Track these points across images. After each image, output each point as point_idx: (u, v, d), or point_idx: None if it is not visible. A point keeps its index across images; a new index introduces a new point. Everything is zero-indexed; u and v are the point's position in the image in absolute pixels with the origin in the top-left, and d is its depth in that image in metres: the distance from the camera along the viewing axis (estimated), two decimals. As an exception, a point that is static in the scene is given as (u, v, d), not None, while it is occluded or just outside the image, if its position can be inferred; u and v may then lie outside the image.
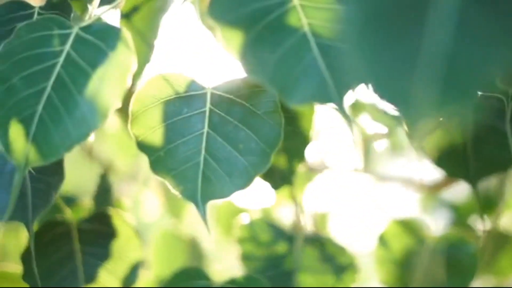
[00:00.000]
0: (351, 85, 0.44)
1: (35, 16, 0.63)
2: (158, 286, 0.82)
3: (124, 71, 0.47)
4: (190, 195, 0.50)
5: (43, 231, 0.75)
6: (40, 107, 0.48)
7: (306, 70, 0.45)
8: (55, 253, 0.75)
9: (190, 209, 1.08)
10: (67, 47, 0.49)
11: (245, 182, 0.51)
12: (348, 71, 0.44)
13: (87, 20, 0.51)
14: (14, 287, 0.80)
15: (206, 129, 0.52)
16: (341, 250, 0.89)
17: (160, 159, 0.51)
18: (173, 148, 0.51)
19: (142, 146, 0.51)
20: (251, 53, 0.46)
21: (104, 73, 0.48)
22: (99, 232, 0.77)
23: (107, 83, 0.47)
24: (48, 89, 0.48)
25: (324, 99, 0.44)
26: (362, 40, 0.28)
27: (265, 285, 0.76)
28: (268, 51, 0.46)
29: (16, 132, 0.48)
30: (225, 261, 1.19)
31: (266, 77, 0.46)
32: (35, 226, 0.76)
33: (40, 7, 0.63)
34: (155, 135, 0.51)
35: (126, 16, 0.75)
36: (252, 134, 0.51)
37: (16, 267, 0.84)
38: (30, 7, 0.64)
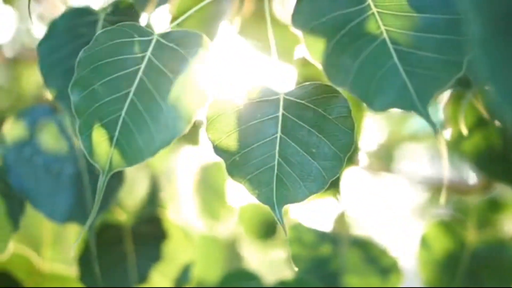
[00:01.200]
0: (434, 92, 0.45)
1: (100, 22, 0.64)
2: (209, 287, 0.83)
3: (207, 77, 0.49)
4: (265, 200, 0.51)
5: (97, 234, 0.77)
6: (123, 112, 0.49)
7: (387, 77, 0.47)
8: (109, 254, 0.77)
9: (226, 210, 1.09)
10: (148, 53, 0.51)
11: (319, 186, 0.52)
12: (428, 78, 0.45)
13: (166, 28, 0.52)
14: (66, 288, 0.82)
15: (279, 134, 0.53)
16: (384, 252, 0.90)
17: (235, 163, 0.52)
18: (248, 153, 0.52)
19: (218, 151, 0.52)
20: (333, 60, 0.47)
21: (186, 80, 0.49)
22: (151, 234, 0.79)
23: (189, 90, 0.48)
24: (131, 94, 0.49)
25: (406, 106, 0.45)
26: (487, 47, 0.29)
27: (315, 285, 0.77)
28: (349, 58, 0.47)
29: (99, 137, 0.49)
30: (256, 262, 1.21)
31: (347, 83, 0.47)
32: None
33: (106, 14, 0.64)
34: (230, 140, 0.52)
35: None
36: (325, 139, 0.52)
37: (64, 268, 0.85)
38: (95, 13, 0.65)
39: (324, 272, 0.85)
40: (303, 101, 0.53)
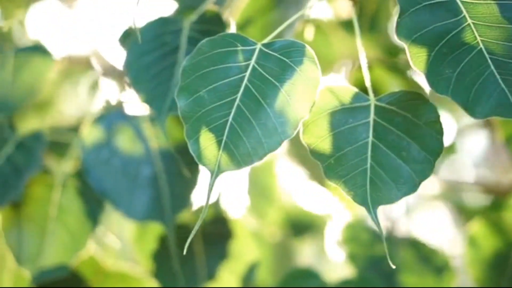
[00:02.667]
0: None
1: (185, 31, 0.67)
2: (270, 286, 0.86)
3: (313, 85, 0.51)
4: (360, 200, 0.54)
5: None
6: (230, 118, 0.52)
7: (485, 85, 0.49)
8: (179, 253, 0.79)
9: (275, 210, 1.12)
10: (252, 62, 0.53)
11: (410, 188, 0.54)
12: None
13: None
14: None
15: (370, 138, 0.55)
16: (435, 251, 0.93)
17: (331, 166, 0.55)
18: (342, 156, 0.55)
19: (314, 154, 0.55)
20: (434, 69, 0.50)
21: (292, 87, 0.51)
22: (218, 234, 0.81)
23: (296, 97, 0.51)
24: (237, 101, 0.52)
25: (506, 114, 0.48)
26: None
27: (378, 285, 0.80)
28: (449, 67, 0.50)
29: (207, 140, 0.52)
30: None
31: (448, 91, 0.50)
32: (160, 229, 0.80)
33: (192, 22, 0.67)
34: (325, 144, 0.55)
35: (241, 28, 0.79)
36: (414, 143, 0.55)
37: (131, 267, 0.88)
38: (178, 22, 0.68)
39: (381, 271, 0.87)
40: (393, 107, 0.56)
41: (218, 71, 0.53)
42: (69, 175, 0.78)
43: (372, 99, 0.56)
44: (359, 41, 0.60)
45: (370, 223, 0.94)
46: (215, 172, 0.51)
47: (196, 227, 0.52)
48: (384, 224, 0.97)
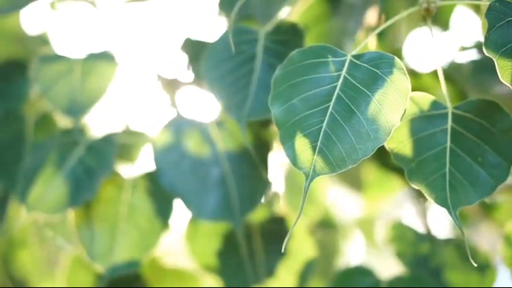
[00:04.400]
0: None
1: (261, 41, 0.71)
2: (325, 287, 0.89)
3: (403, 94, 0.55)
4: (442, 202, 0.58)
5: (232, 232, 0.83)
6: (324, 125, 0.55)
7: None
8: (239, 251, 0.83)
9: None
10: (343, 72, 0.57)
11: (487, 191, 0.58)
12: None
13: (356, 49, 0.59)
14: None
15: (448, 144, 0.59)
16: (475, 249, 0.96)
17: (413, 170, 0.58)
18: (422, 161, 0.59)
19: (397, 158, 0.59)
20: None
21: (384, 97, 0.55)
22: (276, 232, 0.85)
23: (387, 105, 0.55)
24: (330, 109, 0.56)
25: None
26: None
27: (430, 284, 0.83)
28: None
29: (302, 145, 0.55)
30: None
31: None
32: (223, 228, 0.84)
33: (267, 33, 0.71)
34: (406, 149, 0.59)
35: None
36: (490, 149, 0.59)
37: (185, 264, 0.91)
38: (254, 32, 0.71)
39: (427, 269, 0.91)
40: (469, 115, 0.59)
41: (310, 81, 0.57)
42: (138, 177, 0.81)
43: (449, 107, 0.60)
44: (435, 47, 0.63)
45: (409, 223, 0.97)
46: (310, 175, 0.55)
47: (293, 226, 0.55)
48: (427, 224, 1.01)
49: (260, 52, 0.70)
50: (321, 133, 0.55)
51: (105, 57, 0.85)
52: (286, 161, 1.17)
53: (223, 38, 0.72)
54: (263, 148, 0.76)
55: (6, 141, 0.93)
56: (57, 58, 0.85)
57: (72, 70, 0.83)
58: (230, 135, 0.79)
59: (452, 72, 0.90)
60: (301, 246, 0.85)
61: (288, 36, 0.70)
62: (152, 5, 0.98)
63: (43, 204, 0.79)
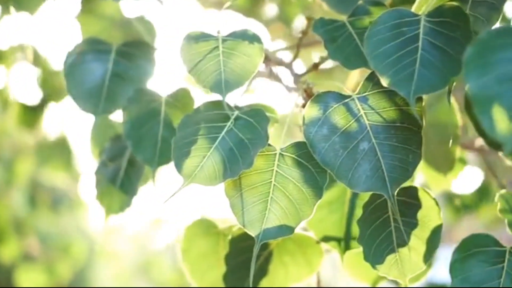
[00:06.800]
0: None
1: (422, 22, 0.76)
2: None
3: None
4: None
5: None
6: None
7: None
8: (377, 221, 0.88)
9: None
10: None
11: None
12: None
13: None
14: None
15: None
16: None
17: None
18: None
19: None
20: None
21: None
22: (408, 204, 0.89)
23: None
24: None
25: None
26: None
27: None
28: None
29: (498, 116, 0.60)
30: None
31: None
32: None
33: (426, 15, 0.76)
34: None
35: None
36: None
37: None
38: (414, 14, 0.77)
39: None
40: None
41: (504, 60, 0.62)
42: (287, 147, 0.86)
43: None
44: None
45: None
46: (510, 144, 0.60)
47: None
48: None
49: (422, 33, 0.76)
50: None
51: (248, 36, 0.90)
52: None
53: (383, 19, 0.77)
54: (415, 122, 0.81)
55: (142, 118, 0.99)
56: (203, 36, 0.91)
57: (217, 48, 0.89)
58: (373, 109, 0.83)
59: None
60: (429, 216, 0.90)
61: (450, 18, 0.75)
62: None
63: (200, 175, 0.83)
